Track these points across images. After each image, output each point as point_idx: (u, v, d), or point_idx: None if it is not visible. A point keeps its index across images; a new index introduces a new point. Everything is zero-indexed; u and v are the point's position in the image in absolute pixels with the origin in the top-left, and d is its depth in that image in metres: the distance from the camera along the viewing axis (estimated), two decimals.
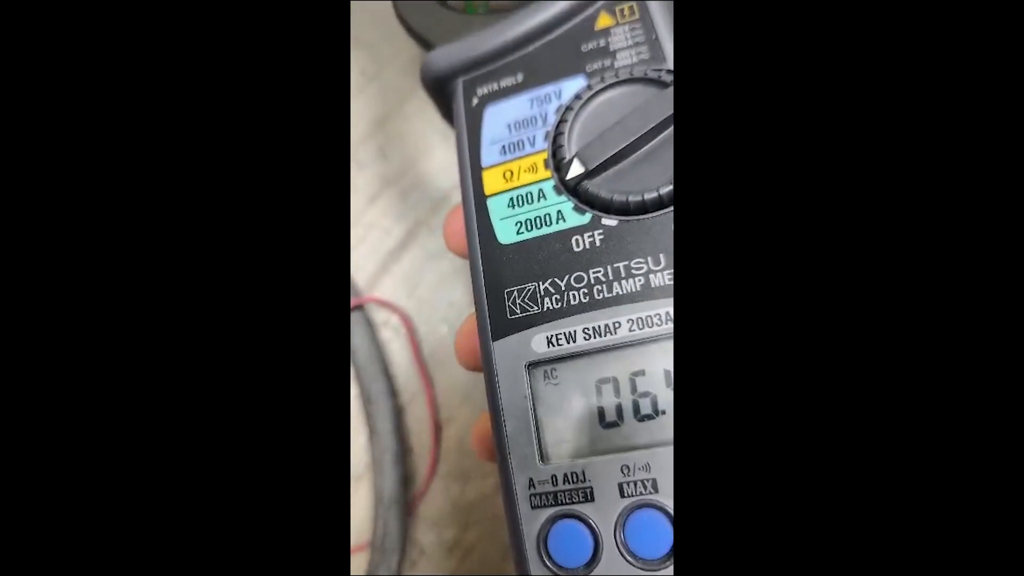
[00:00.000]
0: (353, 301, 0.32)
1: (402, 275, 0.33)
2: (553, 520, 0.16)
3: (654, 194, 0.17)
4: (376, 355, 0.31)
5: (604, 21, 0.20)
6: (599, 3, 0.20)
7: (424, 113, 0.35)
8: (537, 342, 0.17)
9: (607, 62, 0.19)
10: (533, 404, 0.17)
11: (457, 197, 0.28)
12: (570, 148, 0.18)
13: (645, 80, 0.18)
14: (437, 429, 0.30)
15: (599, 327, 0.17)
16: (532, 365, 0.17)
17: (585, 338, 0.17)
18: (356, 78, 0.37)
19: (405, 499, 0.29)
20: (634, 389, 0.17)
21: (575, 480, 0.16)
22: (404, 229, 0.34)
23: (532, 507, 0.16)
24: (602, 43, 0.20)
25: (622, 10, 0.20)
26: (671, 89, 0.18)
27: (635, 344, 0.16)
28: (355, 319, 0.31)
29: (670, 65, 0.19)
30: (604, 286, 0.17)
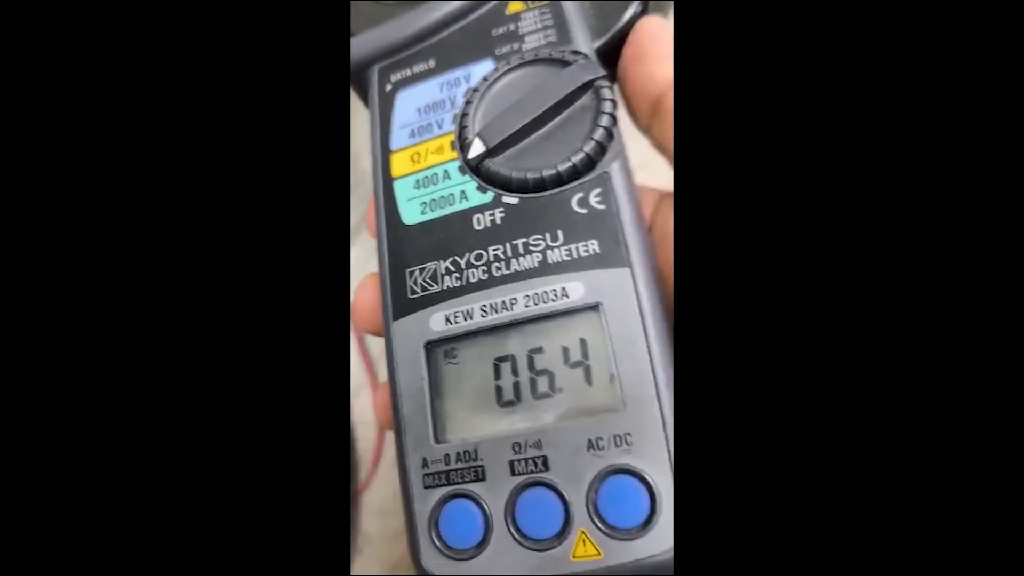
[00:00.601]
0: None
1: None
2: (445, 500, 0.15)
3: (552, 171, 0.17)
4: None
5: (515, 6, 0.20)
6: None
7: (365, 112, 0.35)
8: (436, 321, 0.17)
9: (516, 45, 0.19)
10: (430, 384, 0.16)
11: None
12: (474, 129, 0.18)
13: (549, 60, 0.18)
14: None
15: (496, 303, 0.17)
16: (430, 344, 0.17)
17: (482, 315, 0.17)
18: None
19: (351, 488, 0.29)
20: (531, 366, 0.16)
21: (467, 459, 0.15)
22: (352, 223, 0.34)
23: (425, 487, 0.16)
24: (512, 27, 0.20)
25: None
26: (572, 67, 0.18)
27: (532, 320, 0.16)
28: None
29: (576, 45, 0.19)
30: (503, 263, 0.17)
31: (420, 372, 0.17)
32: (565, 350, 0.16)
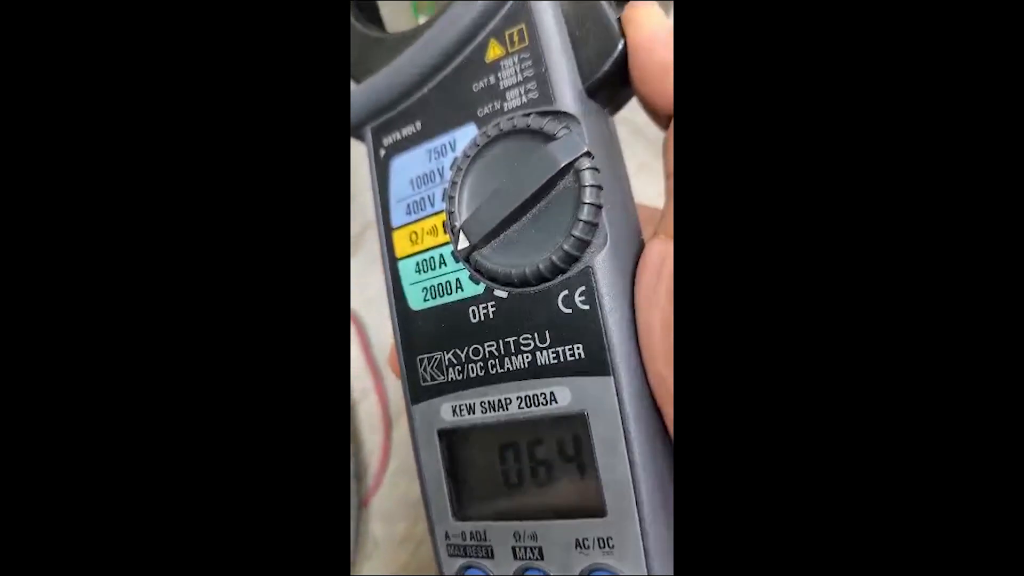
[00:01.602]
0: None
1: (351, 276, 0.34)
2: (465, 568, 0.18)
3: (534, 268, 0.17)
4: None
5: (494, 51, 0.18)
6: (488, 28, 0.18)
7: None
8: (445, 411, 0.19)
9: (497, 104, 0.18)
10: (445, 467, 0.19)
11: None
12: (460, 214, 0.18)
13: (528, 132, 0.17)
14: (388, 426, 0.32)
15: (493, 402, 0.18)
16: (442, 432, 0.19)
17: (483, 411, 0.18)
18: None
19: (359, 494, 0.31)
20: (532, 456, 0.18)
21: (479, 538, 0.18)
22: (353, 232, 0.34)
23: (449, 555, 0.19)
24: (492, 80, 0.18)
25: (511, 35, 0.18)
26: (551, 146, 0.16)
27: (527, 420, 0.17)
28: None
29: (559, 103, 0.17)
30: (497, 360, 0.18)
31: (436, 456, 0.19)
32: (561, 444, 0.17)
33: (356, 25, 0.22)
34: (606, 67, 0.17)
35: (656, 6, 0.17)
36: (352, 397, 0.35)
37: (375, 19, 0.24)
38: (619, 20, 0.17)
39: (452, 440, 0.19)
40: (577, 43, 0.18)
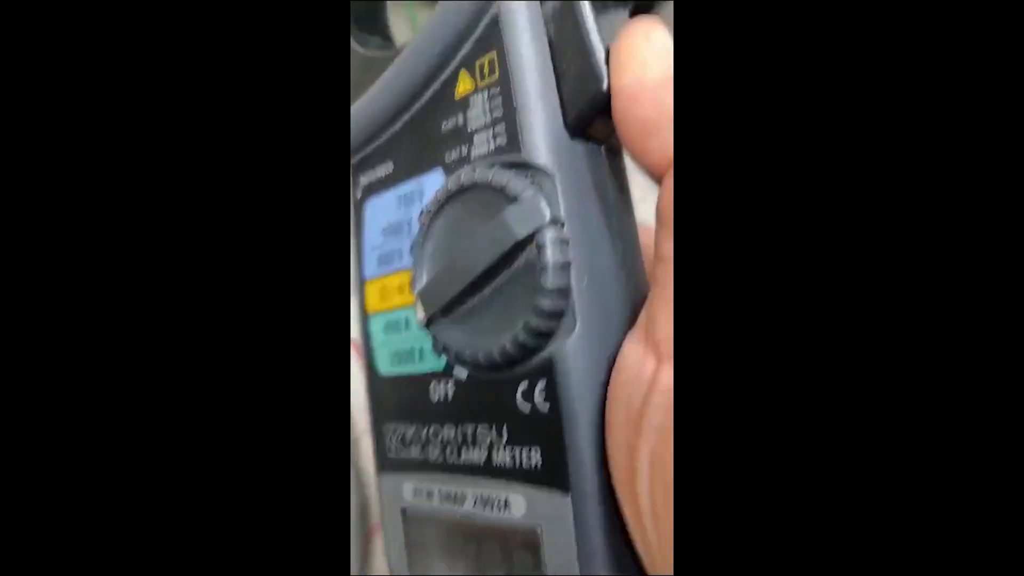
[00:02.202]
0: None
1: (356, 307, 0.32)
2: None
3: (488, 353, 0.14)
4: None
5: (464, 85, 0.15)
6: (460, 56, 0.15)
7: None
8: (407, 489, 0.17)
9: (464, 150, 0.15)
10: (406, 545, 0.17)
11: None
12: (420, 277, 0.16)
13: (489, 189, 0.14)
14: None
15: (450, 492, 0.16)
16: (403, 511, 0.17)
17: (440, 501, 0.16)
18: None
19: (362, 528, 0.31)
20: (487, 561, 0.15)
21: None
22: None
23: None
24: (460, 121, 0.15)
25: (481, 67, 0.15)
26: (510, 212, 0.13)
27: (482, 523, 0.15)
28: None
29: (527, 153, 0.14)
30: (454, 449, 0.15)
31: (399, 531, 0.17)
32: (513, 558, 0.15)
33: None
34: (588, 108, 0.14)
35: (655, 35, 0.13)
36: (355, 431, 0.34)
37: (374, 28, 0.21)
38: (608, 51, 0.14)
39: (412, 521, 0.17)
40: (560, 75, 0.14)
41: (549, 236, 0.13)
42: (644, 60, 0.13)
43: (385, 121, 0.17)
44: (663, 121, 0.13)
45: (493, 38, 0.15)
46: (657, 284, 0.13)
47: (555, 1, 0.15)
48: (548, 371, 0.14)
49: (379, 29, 0.21)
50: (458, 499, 0.15)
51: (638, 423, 0.12)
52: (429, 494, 0.16)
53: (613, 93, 0.13)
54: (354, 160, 0.18)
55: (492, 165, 0.14)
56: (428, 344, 0.16)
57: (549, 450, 0.14)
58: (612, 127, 0.14)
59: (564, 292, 0.13)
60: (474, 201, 0.14)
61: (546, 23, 0.15)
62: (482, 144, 0.15)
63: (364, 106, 0.17)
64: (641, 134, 0.13)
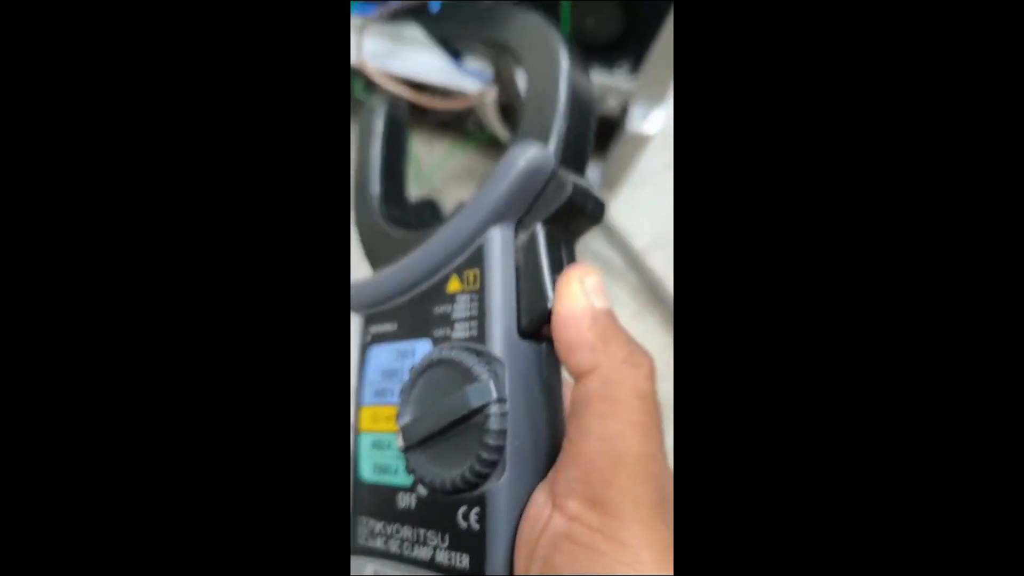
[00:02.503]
0: None
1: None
2: None
3: (441, 481, 0.20)
4: None
5: (453, 285, 0.22)
6: (455, 264, 0.22)
7: None
8: (369, 569, 0.22)
9: (448, 331, 0.22)
10: None
11: None
12: (404, 415, 0.22)
13: (460, 367, 0.21)
14: None
15: None
16: None
17: None
18: None
19: None
20: None
21: None
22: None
23: None
24: (447, 309, 0.22)
25: (467, 277, 0.22)
26: (471, 388, 0.20)
27: None
28: None
29: (489, 345, 0.20)
30: (410, 545, 0.21)
31: None
32: None
33: (375, 214, 0.27)
34: (535, 319, 0.21)
35: (588, 279, 0.20)
36: None
37: (398, 200, 0.29)
38: (555, 280, 0.21)
39: None
40: (520, 292, 0.21)
41: (494, 410, 0.20)
42: (575, 296, 0.20)
43: (396, 293, 0.24)
44: (583, 342, 0.19)
45: (478, 258, 0.22)
46: (563, 450, 0.19)
47: (523, 236, 0.22)
48: (481, 502, 0.20)
49: (399, 201, 0.29)
50: None
51: (532, 552, 0.18)
52: None
53: (552, 314, 0.20)
54: (368, 312, 0.25)
55: (465, 349, 0.21)
56: (402, 464, 0.22)
57: (475, 558, 0.19)
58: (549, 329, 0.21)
59: (499, 449, 0.19)
60: (449, 370, 0.21)
61: (516, 252, 0.22)
62: (460, 331, 0.21)
63: (384, 278, 0.24)
64: (566, 348, 0.20)
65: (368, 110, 0.30)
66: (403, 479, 0.22)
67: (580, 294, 0.20)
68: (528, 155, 0.21)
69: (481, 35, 0.28)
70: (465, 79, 0.36)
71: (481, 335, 0.21)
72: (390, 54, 0.38)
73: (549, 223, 0.21)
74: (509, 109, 0.37)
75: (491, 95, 0.35)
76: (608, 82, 0.37)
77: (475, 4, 0.29)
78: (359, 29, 0.36)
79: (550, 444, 0.21)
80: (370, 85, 0.39)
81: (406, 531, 0.21)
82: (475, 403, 0.20)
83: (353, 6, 0.35)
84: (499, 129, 0.38)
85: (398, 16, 0.36)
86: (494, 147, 0.42)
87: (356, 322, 0.25)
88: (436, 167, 0.44)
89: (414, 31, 0.38)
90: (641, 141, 0.39)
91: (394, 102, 0.31)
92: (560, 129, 0.21)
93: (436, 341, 0.22)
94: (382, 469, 0.23)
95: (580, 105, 0.22)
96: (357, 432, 0.24)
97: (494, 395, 0.20)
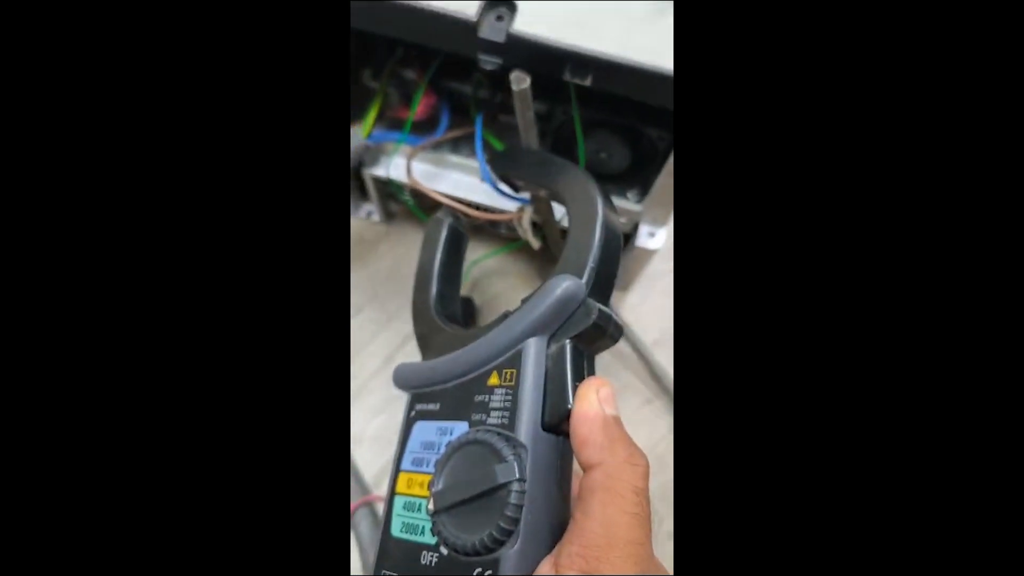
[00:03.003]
0: (361, 499, 0.41)
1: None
2: None
3: (465, 544, 0.23)
4: None
5: (493, 379, 0.27)
6: (496, 363, 0.27)
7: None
8: None
9: (484, 416, 0.26)
10: None
11: None
12: (437, 483, 0.26)
13: (491, 448, 0.25)
14: None
15: None
16: None
17: None
18: (368, 325, 0.48)
19: None
20: None
21: None
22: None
23: None
24: (486, 399, 0.26)
25: (506, 374, 0.26)
26: (498, 467, 0.24)
27: None
28: (362, 514, 0.41)
29: (516, 433, 0.24)
30: None
31: None
32: None
33: (431, 311, 0.32)
34: (557, 418, 0.25)
35: (603, 389, 0.24)
36: None
37: (452, 298, 0.34)
38: (576, 387, 0.25)
39: None
40: (547, 392, 0.25)
41: (515, 487, 0.23)
42: (591, 403, 0.24)
43: (443, 380, 0.28)
44: (594, 441, 0.23)
45: (516, 361, 0.26)
46: (568, 528, 0.23)
47: (554, 348, 0.26)
48: (495, 565, 0.23)
49: (452, 302, 0.34)
50: None
51: None
52: None
53: (571, 414, 0.24)
54: (417, 392, 0.29)
55: (496, 433, 0.25)
56: (428, 525, 0.26)
57: None
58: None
59: (516, 521, 0.23)
60: (481, 449, 0.25)
61: (547, 360, 0.26)
62: (495, 418, 0.26)
63: (435, 367, 0.29)
64: (580, 444, 0.23)
65: (435, 221, 0.36)
66: (428, 538, 0.25)
67: (595, 402, 0.24)
68: (564, 286, 0.26)
69: (537, 180, 0.34)
70: (501, 199, 0.43)
71: (511, 424, 0.25)
72: (436, 175, 0.46)
73: (576, 339, 0.26)
74: (539, 224, 0.44)
75: (528, 214, 0.42)
76: (621, 204, 0.44)
77: (531, 153, 0.37)
78: (409, 156, 0.43)
79: (558, 522, 0.24)
80: (416, 196, 0.46)
81: None
82: (501, 480, 0.23)
83: (406, 138, 0.43)
84: (531, 239, 0.45)
85: (440, 146, 0.44)
86: (522, 251, 0.47)
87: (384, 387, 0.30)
88: (472, 264, 0.50)
89: (455, 157, 0.44)
90: (648, 254, 0.46)
91: (456, 217, 0.37)
92: (592, 267, 0.27)
93: (472, 424, 0.26)
94: (410, 528, 0.26)
95: (610, 250, 0.27)
96: (393, 493, 0.28)
97: (516, 475, 0.24)
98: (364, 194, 0.50)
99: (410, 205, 0.48)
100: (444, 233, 0.35)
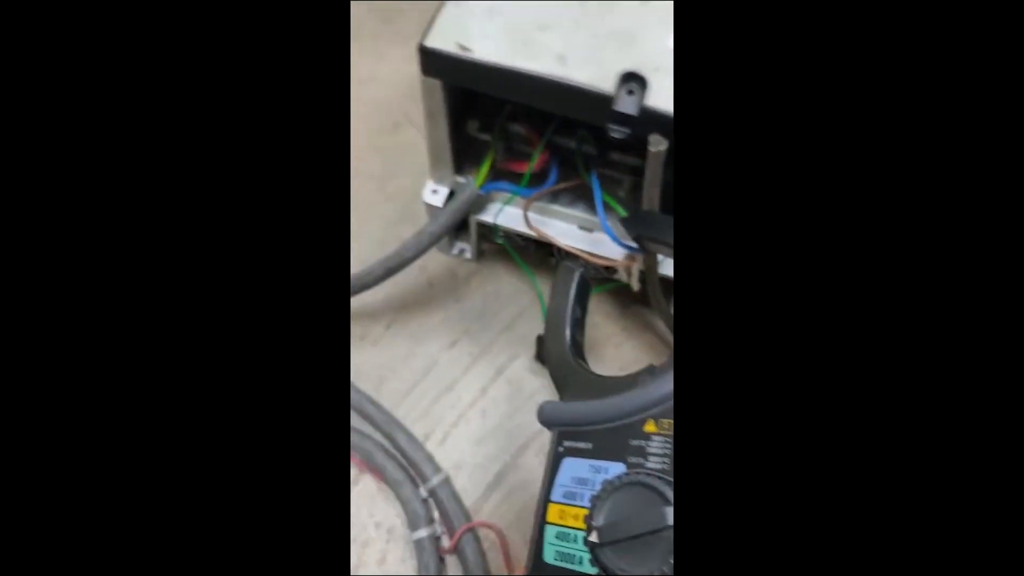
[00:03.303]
0: (464, 526, 0.43)
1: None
2: None
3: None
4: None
5: (650, 427, 0.30)
6: (652, 412, 0.30)
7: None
8: None
9: (642, 460, 0.29)
10: None
11: None
12: (597, 519, 0.29)
13: (654, 490, 0.28)
14: None
15: None
16: None
17: None
18: (463, 358, 0.51)
19: None
20: None
21: None
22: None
23: None
24: (643, 444, 0.29)
25: (663, 424, 0.29)
26: (660, 509, 0.26)
27: None
28: (466, 540, 0.43)
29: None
30: None
31: None
32: None
33: (567, 354, 0.35)
34: None
35: None
36: None
37: (581, 346, 0.37)
38: None
39: None
40: None
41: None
42: None
43: (595, 422, 0.31)
44: None
45: (673, 413, 0.29)
46: None
47: None
48: None
49: (581, 352, 0.37)
50: None
51: None
52: None
53: None
54: (564, 429, 0.32)
55: (660, 478, 0.28)
56: (586, 556, 0.28)
57: None
58: None
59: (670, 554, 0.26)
60: (647, 492, 0.28)
61: None
62: (655, 463, 0.29)
63: (586, 409, 0.32)
64: None
65: (567, 269, 0.40)
66: (587, 568, 0.28)
67: None
68: None
69: (663, 238, 0.38)
70: (608, 247, 0.46)
71: (672, 470, 0.28)
72: (539, 223, 0.49)
73: None
74: (643, 271, 0.46)
75: (638, 262, 0.45)
76: None
77: (662, 217, 0.40)
78: (525, 207, 0.47)
79: None
80: (508, 237, 0.49)
81: None
82: (670, 522, 0.27)
83: (521, 190, 0.46)
84: (634, 283, 0.48)
85: (557, 196, 0.47)
86: (612, 292, 0.50)
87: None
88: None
89: (555, 206, 0.48)
90: None
91: (584, 266, 0.40)
92: None
93: (630, 466, 0.29)
94: (565, 558, 0.29)
95: None
96: (543, 522, 0.30)
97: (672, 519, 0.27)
98: (458, 233, 0.53)
99: (507, 247, 0.51)
100: (576, 281, 0.39)
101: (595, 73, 0.37)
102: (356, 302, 0.51)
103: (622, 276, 0.47)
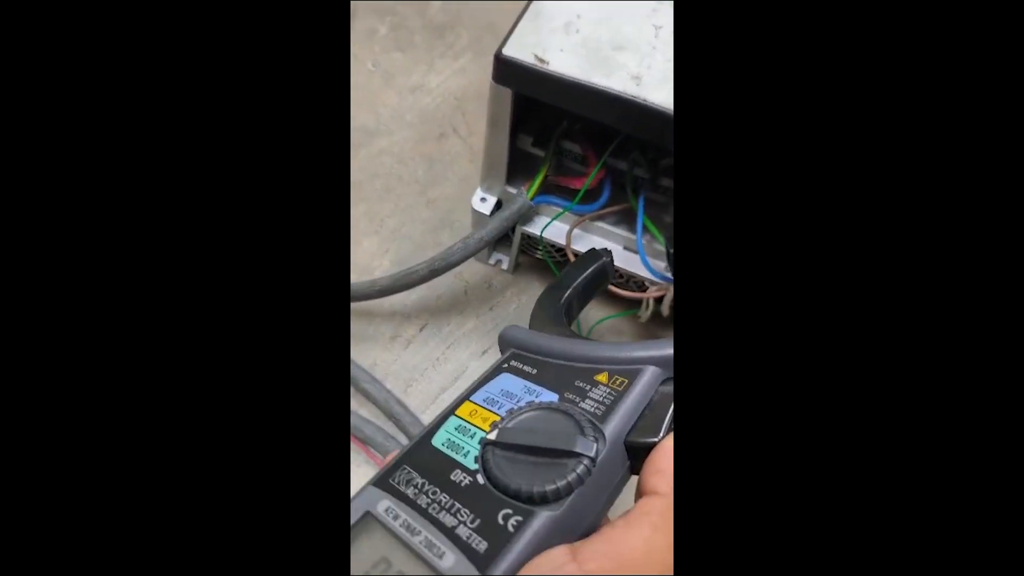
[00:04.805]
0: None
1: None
2: None
3: (505, 485, 0.23)
4: None
5: (601, 377, 0.27)
6: (610, 366, 0.27)
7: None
8: (382, 504, 0.24)
9: (577, 399, 0.26)
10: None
11: None
12: (505, 423, 0.25)
13: (575, 421, 0.25)
14: None
15: (411, 526, 0.22)
16: (364, 519, 0.23)
17: (400, 525, 0.23)
18: None
19: None
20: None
21: None
22: None
23: None
24: (587, 388, 0.26)
25: (615, 379, 0.27)
26: (579, 439, 0.24)
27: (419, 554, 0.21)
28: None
29: (607, 430, 0.24)
30: (438, 508, 0.23)
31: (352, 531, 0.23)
32: None
33: (557, 305, 0.34)
34: (637, 444, 0.25)
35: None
36: None
37: (574, 315, 0.36)
38: (672, 426, 0.25)
39: (364, 532, 0.23)
40: (642, 415, 0.26)
41: (584, 462, 0.23)
42: (669, 451, 0.24)
43: (551, 355, 0.29)
44: (667, 472, 0.23)
45: (631, 375, 0.26)
46: (598, 533, 0.22)
47: (667, 388, 0.26)
48: (526, 518, 0.22)
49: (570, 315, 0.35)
50: (414, 532, 0.22)
51: None
52: (396, 516, 0.23)
53: (657, 444, 0.24)
54: (516, 352, 0.30)
55: (587, 417, 0.25)
56: (474, 451, 0.25)
57: (491, 551, 0.21)
58: (642, 457, 0.25)
59: (568, 491, 0.22)
60: (567, 420, 0.25)
61: (655, 392, 0.26)
62: (588, 406, 0.26)
63: (550, 342, 0.29)
64: (654, 470, 0.23)
65: (594, 252, 0.39)
66: (469, 462, 0.25)
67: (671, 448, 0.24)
68: None
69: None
70: (640, 270, 0.45)
71: (603, 419, 0.25)
72: (580, 237, 0.49)
73: None
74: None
75: (664, 292, 0.44)
76: None
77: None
78: (574, 224, 0.48)
79: (589, 524, 0.23)
80: (550, 252, 0.49)
81: (443, 497, 0.23)
82: (577, 448, 0.23)
83: (573, 206, 0.47)
84: (667, 309, 0.48)
85: (603, 215, 0.48)
86: (638, 316, 0.49)
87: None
88: (600, 320, 0.51)
89: (604, 224, 0.48)
90: None
91: (611, 260, 0.40)
92: None
93: (563, 399, 0.26)
94: (453, 446, 0.26)
95: None
96: (450, 412, 0.27)
97: (592, 454, 0.23)
98: (498, 244, 0.55)
99: (547, 260, 0.52)
100: (597, 264, 0.38)
101: (669, 96, 0.37)
102: (391, 302, 0.52)
103: (646, 302, 0.46)
